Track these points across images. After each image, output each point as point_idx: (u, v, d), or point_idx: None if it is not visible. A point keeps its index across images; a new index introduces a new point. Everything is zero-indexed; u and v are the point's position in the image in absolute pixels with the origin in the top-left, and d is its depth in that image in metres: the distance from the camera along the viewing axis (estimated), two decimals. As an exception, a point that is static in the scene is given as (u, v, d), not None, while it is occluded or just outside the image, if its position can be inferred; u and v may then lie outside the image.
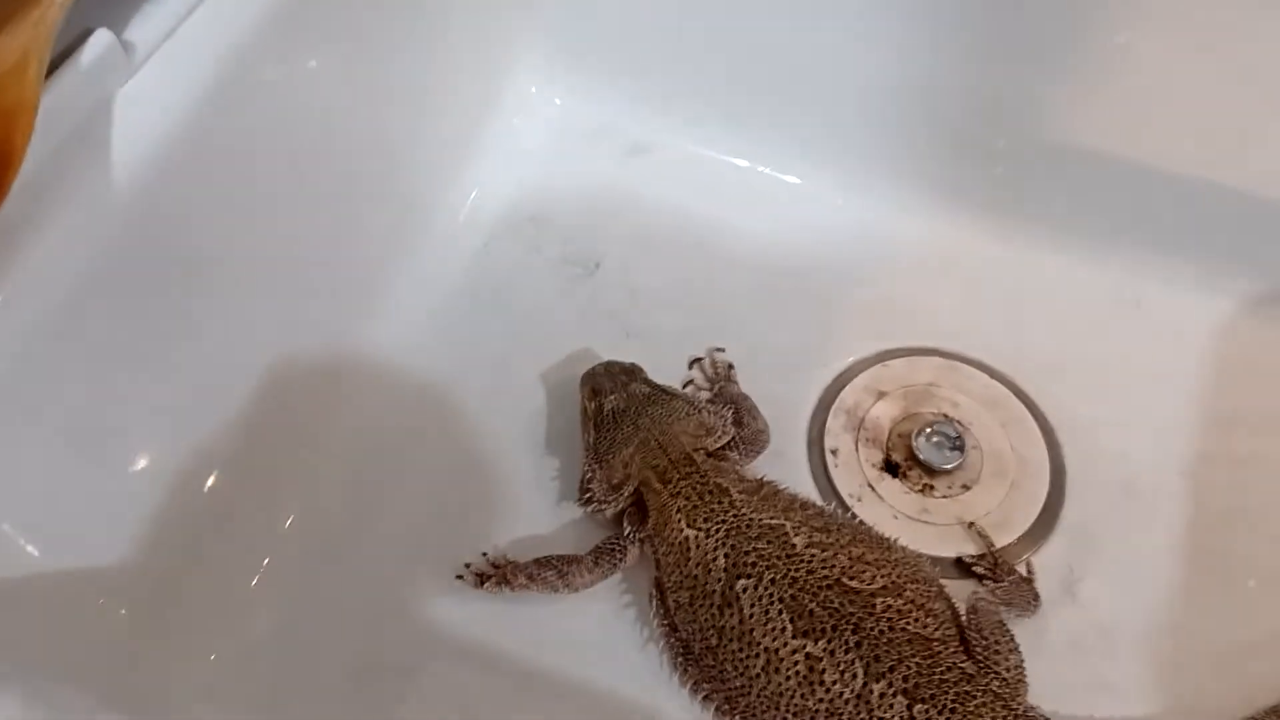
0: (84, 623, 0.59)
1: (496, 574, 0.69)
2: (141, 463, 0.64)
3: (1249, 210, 0.78)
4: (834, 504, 0.74)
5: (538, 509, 0.75)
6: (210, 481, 0.69)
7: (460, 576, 0.70)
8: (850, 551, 0.63)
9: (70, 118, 0.51)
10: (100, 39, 0.52)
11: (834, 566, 0.62)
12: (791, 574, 0.62)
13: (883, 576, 0.63)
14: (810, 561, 0.62)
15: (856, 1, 0.81)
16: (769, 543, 0.63)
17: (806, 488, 0.75)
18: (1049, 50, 0.77)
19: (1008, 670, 0.62)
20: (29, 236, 0.50)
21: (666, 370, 0.79)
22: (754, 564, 0.63)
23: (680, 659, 0.66)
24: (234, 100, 0.61)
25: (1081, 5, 0.74)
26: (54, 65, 0.50)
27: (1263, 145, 0.76)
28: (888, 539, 0.67)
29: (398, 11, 0.77)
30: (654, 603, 0.67)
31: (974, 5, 0.77)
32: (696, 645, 0.64)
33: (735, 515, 0.65)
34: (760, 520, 0.65)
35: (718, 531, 0.64)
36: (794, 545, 0.63)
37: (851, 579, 0.62)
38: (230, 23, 0.60)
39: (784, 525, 0.64)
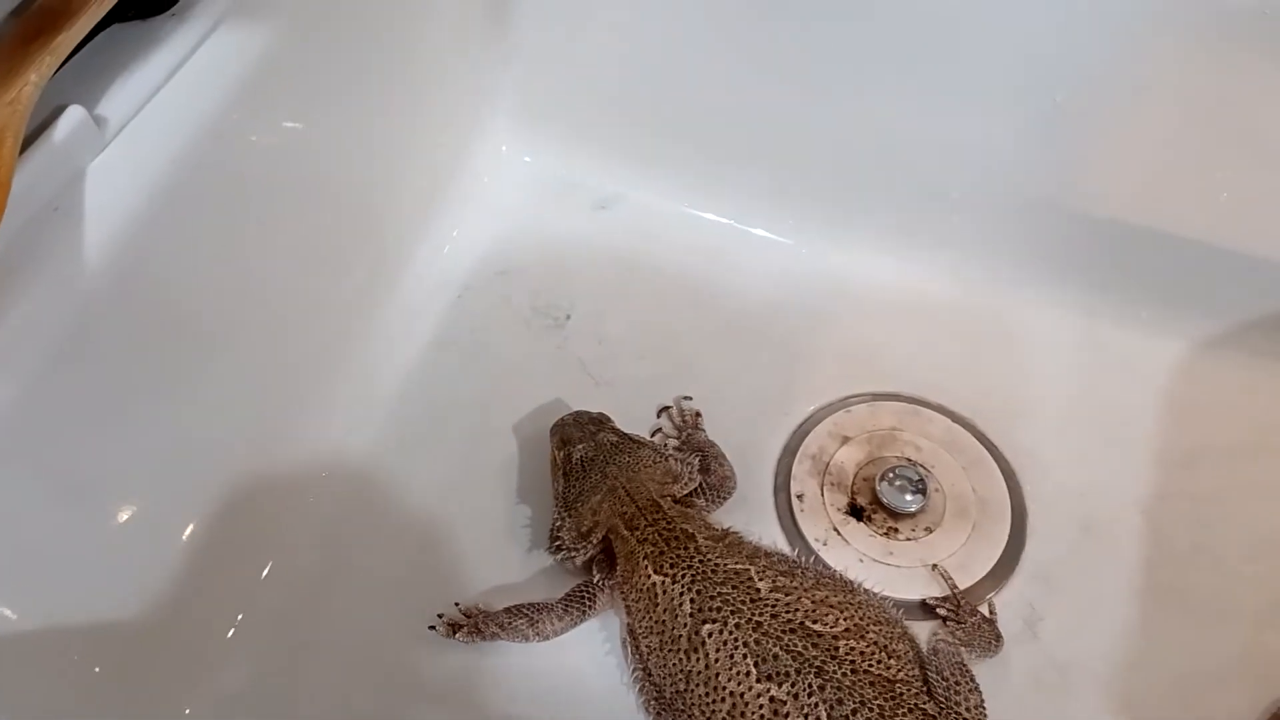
0: (57, 680, 0.60)
1: (469, 623, 0.71)
2: (119, 516, 0.65)
3: (1200, 255, 0.81)
4: (799, 549, 0.76)
5: (510, 557, 0.76)
6: (187, 533, 0.70)
7: (433, 627, 0.71)
8: (814, 595, 0.65)
9: (43, 192, 0.53)
10: (73, 115, 0.54)
11: (797, 610, 0.63)
12: (755, 618, 0.63)
13: (845, 619, 0.64)
14: (774, 606, 0.64)
15: (815, 55, 0.84)
16: (734, 588, 0.65)
17: (773, 533, 0.77)
18: (999, 104, 0.80)
19: (968, 710, 0.63)
20: (4, 307, 0.52)
21: (635, 418, 0.81)
22: (719, 609, 0.64)
23: (654, 703, 0.66)
24: (206, 169, 0.63)
25: (1023, 63, 0.77)
26: (27, 141, 0.52)
27: (1210, 193, 0.79)
28: (851, 582, 0.69)
29: (369, 75, 0.80)
30: (627, 648, 0.68)
31: (923, 60, 0.80)
32: (668, 690, 0.65)
33: (701, 561, 0.66)
34: (725, 565, 0.66)
35: (683, 577, 0.66)
36: (758, 590, 0.64)
37: (815, 622, 0.63)
38: (201, 94, 0.62)
39: (749, 570, 0.65)
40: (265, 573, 0.74)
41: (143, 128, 0.58)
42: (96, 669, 0.61)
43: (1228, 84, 0.74)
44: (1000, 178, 0.83)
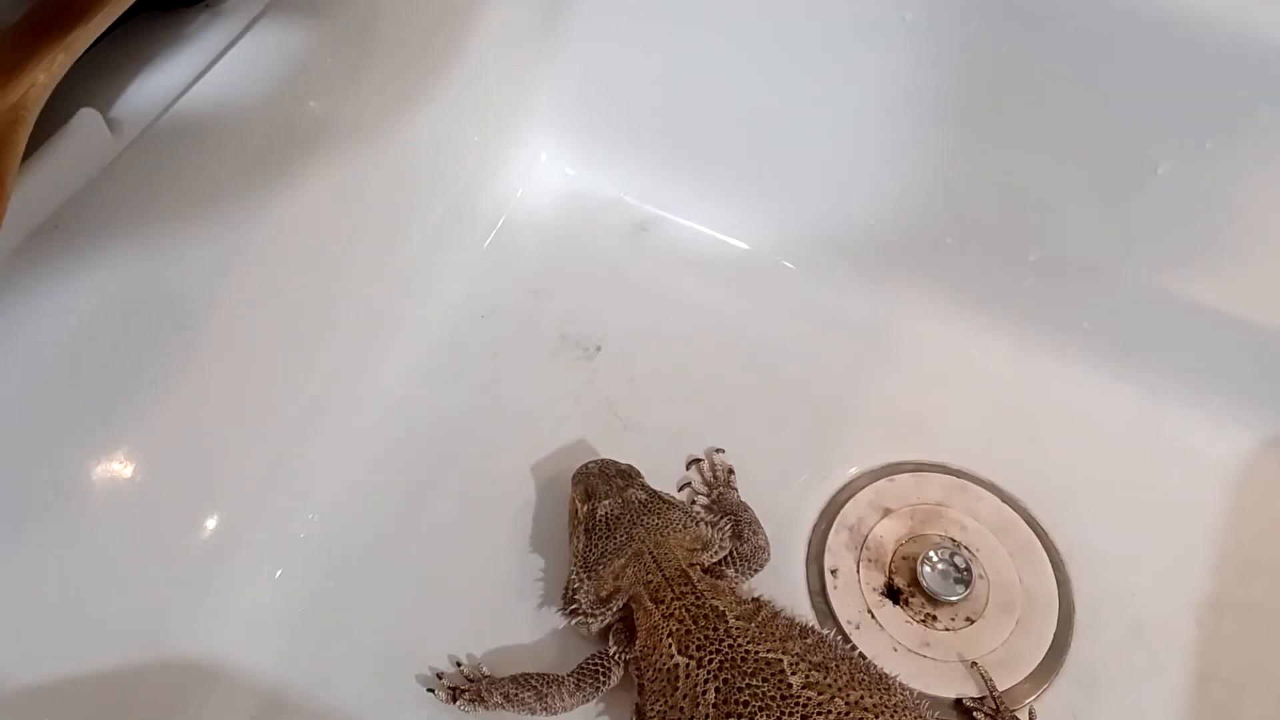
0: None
1: (471, 689, 0.65)
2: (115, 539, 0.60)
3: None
4: (832, 631, 0.70)
5: (519, 613, 0.70)
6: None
7: (432, 690, 0.66)
8: (848, 695, 0.59)
9: (45, 206, 0.46)
10: (84, 120, 0.47)
11: (830, 712, 0.58)
12: (785, 718, 0.58)
13: (880, 725, 0.59)
14: (806, 706, 0.58)
15: (888, 86, 0.78)
16: (764, 680, 0.59)
17: (803, 609, 0.72)
18: (1092, 171, 0.74)
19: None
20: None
21: (662, 467, 0.75)
22: (746, 703, 0.58)
23: (657, 795, 0.62)
24: (228, 178, 0.57)
25: (1126, 132, 0.71)
26: (32, 146, 0.46)
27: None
28: (888, 678, 0.63)
29: (409, 74, 0.74)
30: (634, 731, 0.64)
31: (1017, 114, 0.74)
32: (675, 781, 0.60)
33: (731, 645, 0.61)
34: (756, 653, 0.61)
35: (710, 662, 0.60)
36: (790, 685, 0.59)
37: (847, 727, 0.58)
38: (231, 97, 0.55)
39: (781, 661, 0.60)
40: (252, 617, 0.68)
41: (162, 134, 0.51)
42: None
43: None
44: (1082, 247, 0.77)
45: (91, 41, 0.46)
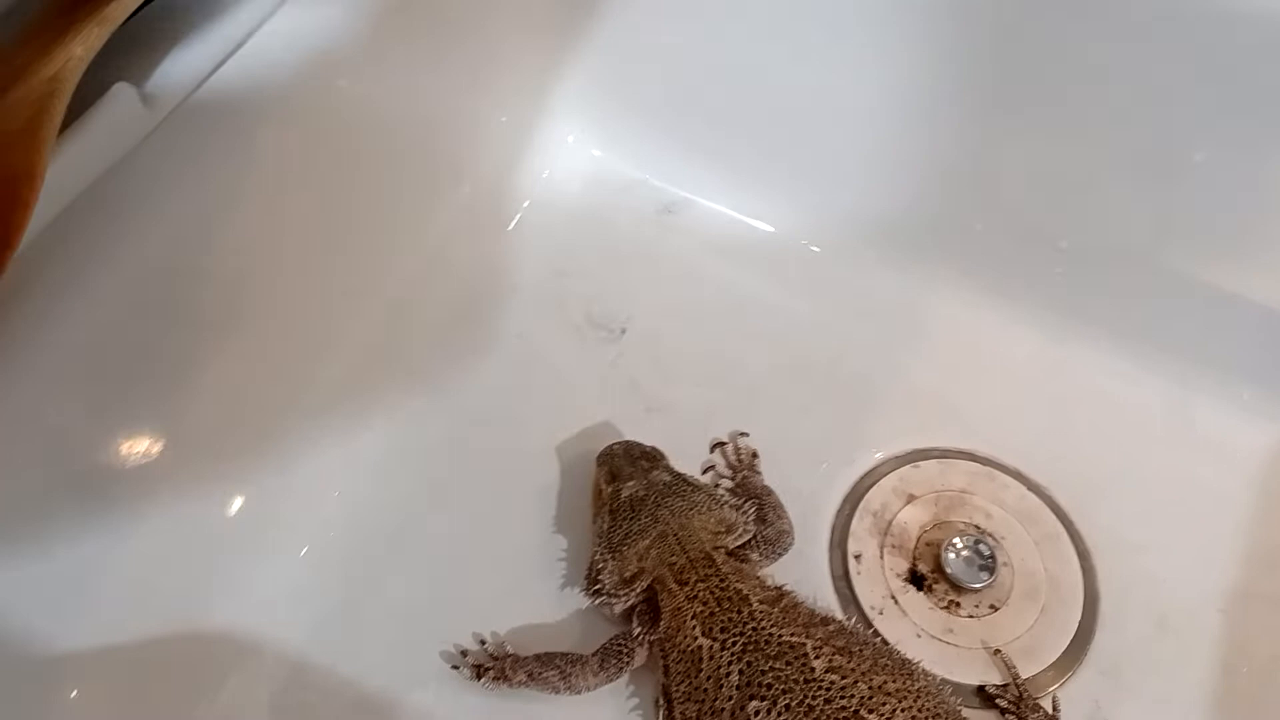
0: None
1: (495, 667, 0.65)
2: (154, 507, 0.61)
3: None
4: (854, 616, 0.70)
5: (542, 592, 0.71)
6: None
7: (456, 667, 0.66)
8: (871, 680, 0.59)
9: (81, 180, 0.47)
10: (118, 95, 0.47)
11: (853, 696, 0.58)
12: (808, 701, 0.58)
13: (904, 711, 0.58)
14: (829, 689, 0.58)
15: (914, 71, 0.77)
16: (787, 663, 0.59)
17: (826, 593, 0.72)
18: (1126, 158, 0.73)
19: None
20: (28, 311, 0.46)
21: (687, 450, 0.75)
22: (769, 685, 0.59)
23: (683, 773, 0.62)
24: (261, 154, 0.57)
25: (1164, 119, 0.70)
26: (67, 121, 0.46)
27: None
28: (911, 664, 0.63)
29: (438, 45, 0.73)
30: (660, 711, 0.64)
31: (1050, 98, 0.73)
32: (701, 762, 0.60)
33: (754, 628, 0.61)
34: (780, 636, 0.61)
35: (734, 644, 0.60)
36: (813, 668, 0.59)
37: (870, 712, 0.58)
38: (265, 73, 0.55)
39: (804, 644, 0.60)
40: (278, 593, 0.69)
41: (196, 109, 0.51)
42: (74, 693, 0.56)
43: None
44: (1115, 235, 0.76)
45: (127, 16, 0.46)
